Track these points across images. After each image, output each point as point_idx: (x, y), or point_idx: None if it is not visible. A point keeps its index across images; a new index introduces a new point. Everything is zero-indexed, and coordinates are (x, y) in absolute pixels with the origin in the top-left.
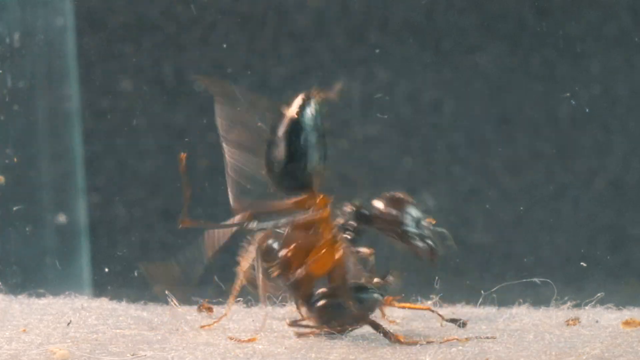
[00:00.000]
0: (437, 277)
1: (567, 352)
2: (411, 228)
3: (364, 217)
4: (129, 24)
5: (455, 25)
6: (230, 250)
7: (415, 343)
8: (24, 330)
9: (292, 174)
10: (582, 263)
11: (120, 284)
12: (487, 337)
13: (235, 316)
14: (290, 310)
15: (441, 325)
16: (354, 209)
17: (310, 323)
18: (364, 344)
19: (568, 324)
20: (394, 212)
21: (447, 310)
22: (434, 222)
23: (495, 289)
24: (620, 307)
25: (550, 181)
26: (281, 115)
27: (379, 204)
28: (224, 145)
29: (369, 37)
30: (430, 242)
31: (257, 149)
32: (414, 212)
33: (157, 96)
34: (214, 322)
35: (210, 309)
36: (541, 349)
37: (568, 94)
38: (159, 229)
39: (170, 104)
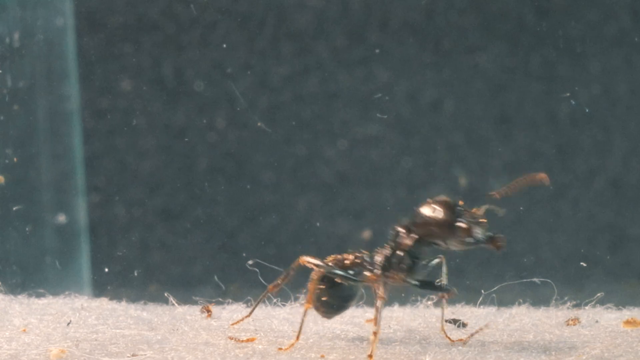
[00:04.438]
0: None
1: (567, 352)
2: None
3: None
4: (129, 24)
5: (455, 25)
6: (231, 250)
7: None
8: (24, 330)
9: None
10: (582, 263)
11: (120, 284)
12: (482, 328)
13: (235, 316)
14: (290, 310)
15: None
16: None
17: None
18: (363, 344)
19: (568, 324)
20: (443, 214)
21: (447, 311)
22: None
23: (495, 289)
24: (620, 307)
25: (550, 181)
26: None
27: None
28: None
29: (369, 37)
30: (487, 232)
31: None
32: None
33: (157, 96)
34: (240, 320)
35: (210, 311)
36: (541, 349)
37: (568, 94)
38: (159, 229)
39: (170, 104)
